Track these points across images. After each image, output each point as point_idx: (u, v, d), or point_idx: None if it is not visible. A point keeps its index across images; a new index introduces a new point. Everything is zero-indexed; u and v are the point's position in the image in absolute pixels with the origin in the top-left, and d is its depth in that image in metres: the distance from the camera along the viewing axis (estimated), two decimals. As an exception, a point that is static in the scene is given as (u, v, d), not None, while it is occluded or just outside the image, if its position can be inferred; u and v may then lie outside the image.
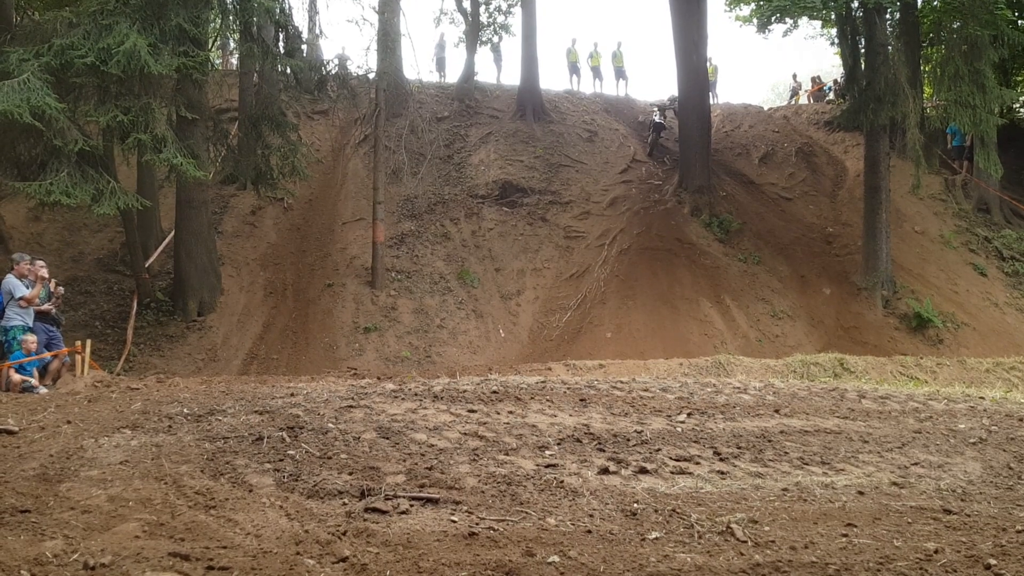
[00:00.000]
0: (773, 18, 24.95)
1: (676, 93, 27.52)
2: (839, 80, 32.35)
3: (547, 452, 5.94)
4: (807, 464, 6.02)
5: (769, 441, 6.65)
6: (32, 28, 14.67)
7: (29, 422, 6.34)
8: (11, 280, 10.80)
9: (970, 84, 19.42)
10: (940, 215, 24.55)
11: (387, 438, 6.01)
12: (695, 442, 6.49)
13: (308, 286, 19.17)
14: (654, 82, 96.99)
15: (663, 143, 27.03)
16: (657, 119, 26.80)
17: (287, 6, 16.69)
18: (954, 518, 4.72)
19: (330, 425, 6.26)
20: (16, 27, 16.45)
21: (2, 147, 14.39)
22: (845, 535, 4.37)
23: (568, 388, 8.85)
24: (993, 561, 3.93)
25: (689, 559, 3.94)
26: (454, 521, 4.29)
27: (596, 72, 31.83)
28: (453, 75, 30.35)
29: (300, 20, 30.79)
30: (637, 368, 14.06)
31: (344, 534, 3.96)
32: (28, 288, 10.83)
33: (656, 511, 4.69)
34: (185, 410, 6.76)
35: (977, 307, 21.09)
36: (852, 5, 22.06)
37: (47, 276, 11.11)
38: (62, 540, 3.47)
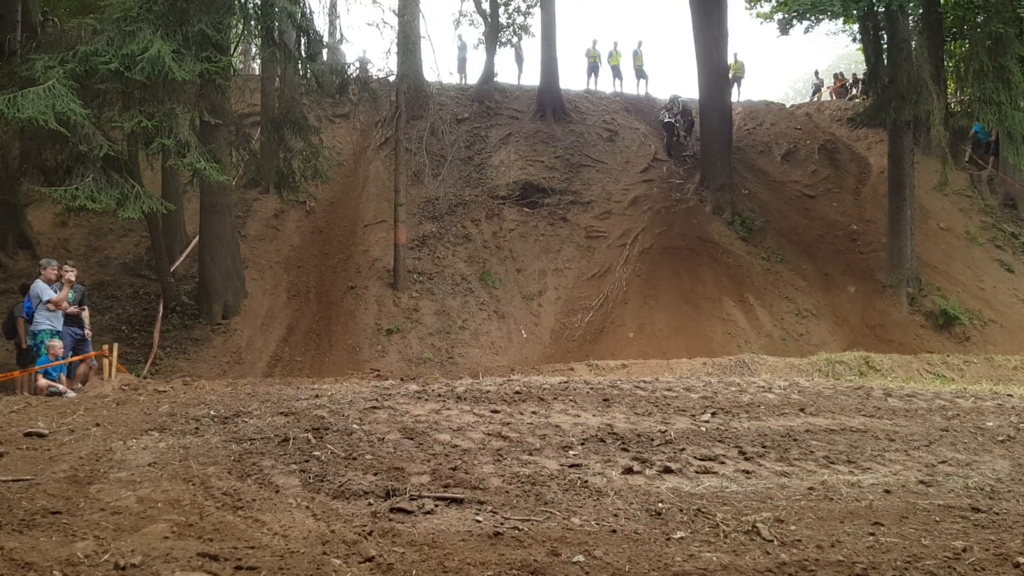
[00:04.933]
0: (794, 19, 24.89)
1: (676, 93, 27.70)
2: (858, 75, 32.15)
3: (571, 452, 5.94)
4: (833, 463, 5.99)
5: (794, 440, 6.61)
6: (57, 35, 14.84)
7: (59, 425, 6.42)
8: (39, 285, 10.95)
9: (995, 80, 19.23)
10: (966, 211, 24.29)
11: (411, 439, 6.03)
12: (720, 441, 6.47)
13: (331, 288, 19.27)
14: (675, 81, 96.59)
15: (680, 141, 26.90)
16: (666, 119, 26.73)
17: (308, 10, 16.78)
18: (982, 516, 4.68)
19: (355, 426, 6.29)
20: (41, 34, 16.66)
21: (28, 153, 14.57)
22: (872, 534, 4.34)
23: (591, 388, 8.85)
24: (1022, 559, 3.89)
25: (715, 558, 3.93)
26: (479, 521, 4.30)
27: (616, 71, 31.78)
28: (473, 76, 30.44)
29: (321, 24, 30.96)
30: (660, 368, 14.02)
31: (370, 534, 3.98)
32: (56, 292, 10.97)
33: (681, 511, 4.68)
34: (212, 412, 6.82)
35: (1004, 304, 20.86)
36: (873, 4, 21.92)
37: (73, 279, 11.25)
38: (93, 541, 3.51)
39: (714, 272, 20.70)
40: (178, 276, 18.11)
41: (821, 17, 26.32)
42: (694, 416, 7.39)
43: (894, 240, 21.04)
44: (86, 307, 12.15)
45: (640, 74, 32.04)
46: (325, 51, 19.82)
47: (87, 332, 11.89)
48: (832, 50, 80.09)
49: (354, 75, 19.19)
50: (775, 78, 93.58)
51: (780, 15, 27.18)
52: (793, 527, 4.45)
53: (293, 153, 17.29)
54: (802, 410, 7.88)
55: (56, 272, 11.21)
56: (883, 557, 3.95)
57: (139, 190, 13.73)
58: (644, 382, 9.58)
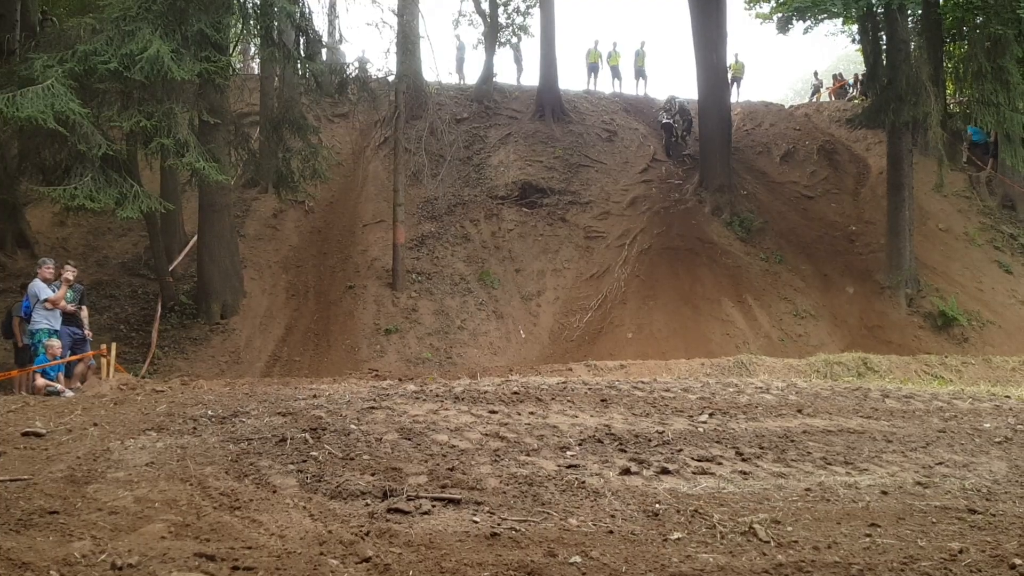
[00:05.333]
0: (794, 18, 24.90)
1: (674, 94, 27.68)
2: (859, 76, 32.14)
3: (568, 453, 5.94)
4: (830, 464, 5.99)
5: (792, 441, 6.62)
6: (56, 34, 14.84)
7: (57, 425, 6.42)
8: (37, 284, 10.96)
9: (993, 81, 19.25)
10: (964, 212, 24.30)
11: (409, 439, 6.03)
12: (717, 442, 6.48)
13: (329, 288, 19.26)
14: (674, 81, 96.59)
15: (679, 141, 26.86)
16: (665, 120, 26.71)
17: (307, 10, 16.79)
18: (979, 518, 4.69)
19: (352, 426, 6.29)
20: (40, 33, 16.65)
21: (27, 152, 14.58)
22: (868, 535, 4.35)
23: (589, 389, 8.85)
24: (1018, 561, 3.90)
25: (711, 559, 3.93)
26: (476, 522, 4.30)
27: (615, 72, 31.79)
28: (472, 77, 30.45)
29: (320, 24, 31.00)
30: (658, 368, 14.02)
31: (367, 534, 3.98)
32: (54, 291, 10.97)
33: (678, 511, 4.68)
34: (209, 412, 6.82)
35: (1003, 305, 20.87)
36: (872, 4, 21.93)
37: (71, 278, 11.25)
38: (90, 541, 3.51)
39: (713, 273, 20.70)
40: (177, 275, 18.10)
41: (821, 17, 26.33)
42: (692, 417, 7.39)
43: (893, 241, 21.04)
44: (85, 307, 12.16)
45: (640, 74, 32.05)
46: (324, 51, 19.84)
47: (87, 333, 11.90)
48: (832, 51, 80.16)
49: (353, 75, 19.19)
50: (774, 79, 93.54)
51: (779, 14, 27.19)
52: (790, 528, 4.46)
53: (292, 153, 17.30)
54: (799, 411, 7.89)
55: (53, 271, 11.22)
56: (879, 558, 3.95)
57: (138, 189, 13.72)
58: (642, 383, 9.59)
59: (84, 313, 11.98)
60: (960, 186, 24.88)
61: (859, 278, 21.26)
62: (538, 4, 28.01)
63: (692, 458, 5.93)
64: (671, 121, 26.51)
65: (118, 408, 7.30)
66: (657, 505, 4.79)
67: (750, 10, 30.34)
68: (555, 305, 20.02)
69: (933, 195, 23.60)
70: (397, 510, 4.43)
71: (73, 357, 11.35)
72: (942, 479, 5.63)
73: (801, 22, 26.88)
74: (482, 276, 20.27)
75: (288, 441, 5.73)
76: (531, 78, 30.29)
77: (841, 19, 29.34)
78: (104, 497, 4.27)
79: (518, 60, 31.72)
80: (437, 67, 54.71)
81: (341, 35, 34.53)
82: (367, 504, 4.55)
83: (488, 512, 4.47)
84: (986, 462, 6.16)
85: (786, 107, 33.34)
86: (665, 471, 5.55)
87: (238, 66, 22.91)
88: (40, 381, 10.33)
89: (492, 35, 28.19)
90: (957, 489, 5.39)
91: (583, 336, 18.83)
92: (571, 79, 39.46)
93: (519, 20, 29.18)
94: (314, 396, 7.74)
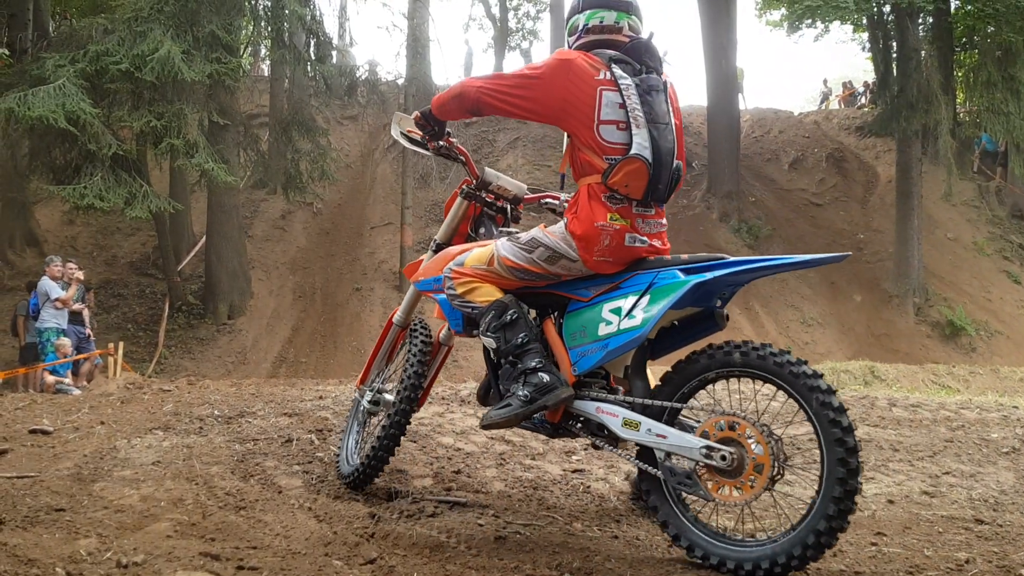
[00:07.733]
0: (804, 21, 24.86)
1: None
2: (869, 83, 32.09)
3: (573, 457, 5.93)
4: (836, 472, 5.96)
5: (797, 448, 6.59)
6: (68, 34, 14.93)
7: (63, 422, 6.42)
8: (46, 282, 11.00)
9: (1003, 90, 19.24)
10: (973, 222, 24.24)
11: (414, 441, 6.02)
12: (723, 449, 6.44)
13: (336, 290, 19.29)
14: (680, 87, 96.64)
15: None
16: None
17: (318, 13, 16.88)
18: (986, 528, 4.66)
19: (358, 428, 6.28)
20: (52, 33, 16.75)
21: (37, 151, 14.67)
22: (874, 544, 4.32)
23: (595, 393, 8.81)
24: (1025, 572, 3.88)
25: (716, 566, 3.92)
26: (481, 525, 4.29)
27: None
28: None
29: (331, 27, 31.07)
30: (663, 374, 13.97)
31: (372, 536, 3.97)
32: (63, 290, 11.02)
33: (683, 517, 4.66)
34: (216, 412, 6.81)
35: (1011, 315, 20.81)
36: (884, 8, 21.91)
37: (81, 278, 11.30)
38: (96, 539, 3.51)
39: (720, 279, 20.65)
40: (184, 276, 18.16)
41: (828, 21, 26.25)
42: (698, 423, 7.36)
43: (901, 250, 21.00)
44: (87, 305, 12.22)
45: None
46: (334, 53, 19.92)
47: (88, 331, 11.94)
48: (842, 58, 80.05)
49: (363, 77, 19.30)
50: (784, 86, 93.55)
51: (786, 22, 27.16)
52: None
53: (301, 154, 17.37)
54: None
55: (60, 269, 11.27)
56: (885, 567, 3.93)
57: (147, 189, 13.79)
58: (648, 388, 9.53)
59: (86, 312, 12.03)
60: (969, 195, 24.81)
61: (867, 286, 21.22)
62: (548, 9, 28.08)
63: (698, 464, 5.90)
64: None
65: (125, 407, 7.30)
66: (662, 511, 4.77)
67: (760, 17, 30.36)
68: (562, 310, 20.00)
69: (942, 204, 23.56)
70: (402, 512, 4.43)
71: (80, 355, 11.40)
72: (949, 489, 5.60)
73: (812, 28, 26.85)
74: (489, 280, 20.26)
75: (294, 442, 5.73)
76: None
77: (852, 27, 29.29)
78: (110, 495, 4.27)
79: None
80: (447, 70, 54.86)
81: (351, 38, 34.66)
82: (372, 506, 4.54)
83: (493, 515, 4.46)
84: (993, 472, 6.13)
85: (795, 114, 33.29)
86: (671, 477, 5.51)
87: (248, 68, 23.00)
88: (50, 379, 10.38)
89: (502, 39, 28.26)
90: (964, 499, 5.36)
91: (589, 341, 18.80)
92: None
93: (529, 25, 29.31)
94: (320, 397, 7.73)
